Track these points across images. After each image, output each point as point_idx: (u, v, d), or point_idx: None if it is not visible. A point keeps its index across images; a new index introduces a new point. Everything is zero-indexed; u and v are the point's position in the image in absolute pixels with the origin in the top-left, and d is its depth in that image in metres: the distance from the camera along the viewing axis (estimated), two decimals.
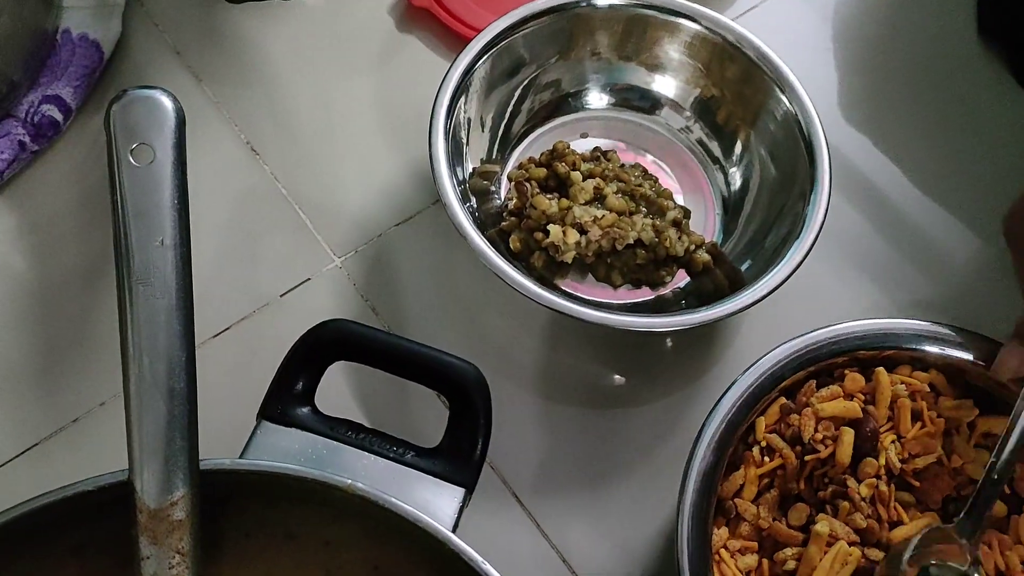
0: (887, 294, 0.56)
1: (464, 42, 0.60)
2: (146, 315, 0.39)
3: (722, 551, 0.43)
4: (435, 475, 0.42)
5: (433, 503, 0.41)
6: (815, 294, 0.54)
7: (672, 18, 0.55)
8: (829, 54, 0.64)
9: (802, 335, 0.46)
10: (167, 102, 0.41)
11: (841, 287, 0.56)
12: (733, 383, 0.45)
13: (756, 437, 0.45)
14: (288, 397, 0.43)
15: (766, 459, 0.45)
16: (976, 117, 0.62)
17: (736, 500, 0.44)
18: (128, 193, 0.40)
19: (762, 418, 0.45)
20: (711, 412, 0.44)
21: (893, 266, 0.58)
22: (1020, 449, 0.42)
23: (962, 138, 0.62)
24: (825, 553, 0.43)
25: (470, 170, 0.55)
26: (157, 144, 0.40)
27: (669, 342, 0.55)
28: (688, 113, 0.58)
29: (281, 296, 0.54)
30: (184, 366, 0.39)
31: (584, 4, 0.55)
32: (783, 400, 0.46)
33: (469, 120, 0.55)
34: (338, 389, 0.51)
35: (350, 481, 0.40)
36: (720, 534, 0.44)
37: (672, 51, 0.56)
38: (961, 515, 0.42)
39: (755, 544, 0.44)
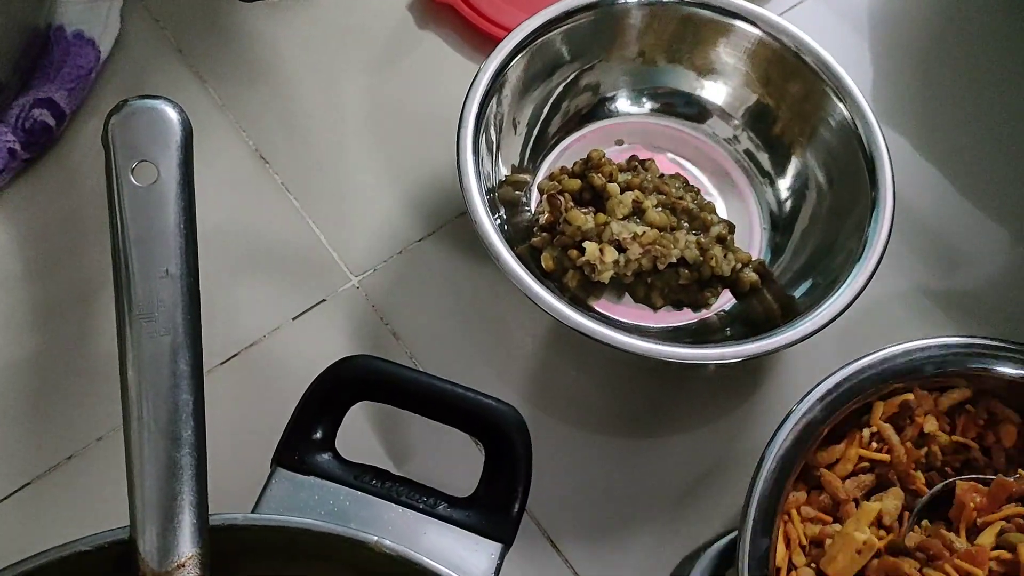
0: (937, 304, 0.53)
1: (489, 40, 0.56)
2: (149, 354, 0.35)
3: (793, 511, 0.41)
4: (469, 528, 0.38)
5: (468, 560, 0.38)
6: (863, 312, 0.50)
7: (728, 19, 0.51)
8: (866, 53, 0.61)
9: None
10: (172, 114, 0.37)
11: (884, 301, 0.52)
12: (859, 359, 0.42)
13: (871, 420, 0.43)
14: (306, 442, 0.39)
15: (873, 444, 0.42)
16: None
17: (824, 470, 0.42)
18: (129, 217, 0.36)
19: (881, 403, 0.42)
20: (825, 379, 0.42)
21: (936, 277, 0.54)
22: None
23: (1011, 144, 0.58)
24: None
25: (500, 178, 0.51)
26: (161, 162, 0.36)
27: (712, 366, 0.51)
28: (737, 122, 0.54)
29: (294, 319, 0.50)
30: (191, 411, 0.35)
31: (621, 2, 0.51)
32: (911, 395, 0.43)
33: (499, 125, 0.50)
34: (361, 429, 0.47)
35: (376, 538, 0.36)
36: (798, 496, 0.42)
37: (726, 55, 0.52)
38: None
39: (830, 519, 0.41)
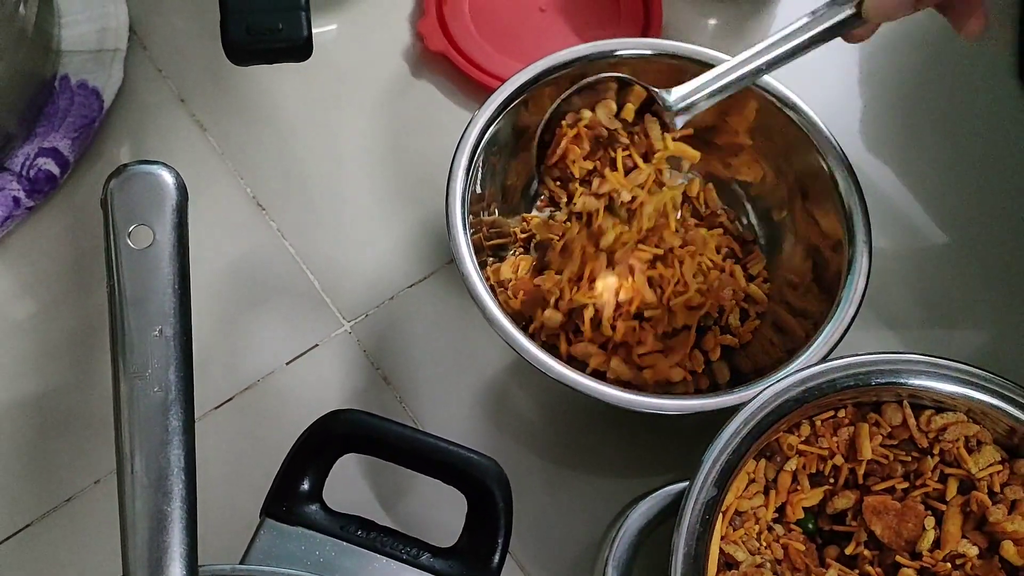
0: (898, 335, 0.54)
1: (481, 88, 0.58)
2: (143, 411, 0.36)
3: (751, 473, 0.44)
4: None
5: None
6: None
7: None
8: (856, 90, 0.62)
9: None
10: (168, 179, 0.38)
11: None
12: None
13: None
14: (294, 493, 0.40)
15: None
16: (1012, 161, 0.60)
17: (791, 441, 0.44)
18: (125, 278, 0.37)
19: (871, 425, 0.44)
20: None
21: (907, 305, 0.55)
22: None
23: (994, 180, 0.59)
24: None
25: (489, 222, 0.52)
26: (157, 226, 0.37)
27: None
28: (722, 174, 0.55)
29: (287, 364, 0.51)
30: (183, 465, 0.36)
31: (612, 55, 0.52)
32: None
33: (488, 174, 0.52)
34: (349, 477, 0.48)
35: None
36: (760, 465, 0.44)
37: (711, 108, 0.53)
38: None
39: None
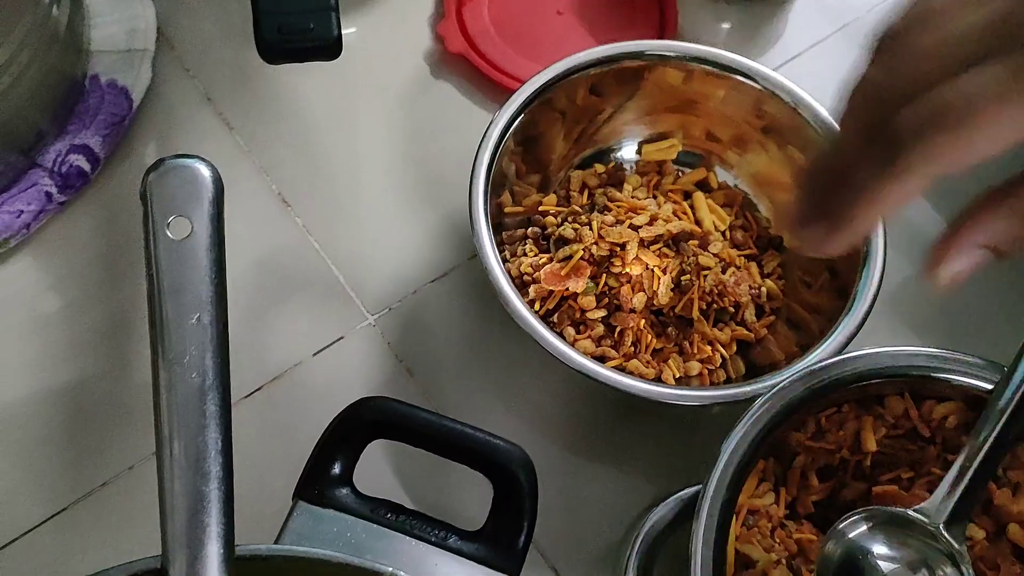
0: (919, 336, 0.55)
1: (500, 89, 0.59)
2: (181, 396, 0.38)
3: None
4: (478, 561, 0.41)
5: None
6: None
7: (728, 75, 0.53)
8: None
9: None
10: (205, 172, 0.39)
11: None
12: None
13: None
14: (325, 477, 0.41)
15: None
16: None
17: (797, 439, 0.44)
18: (164, 269, 0.38)
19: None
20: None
21: (925, 304, 0.56)
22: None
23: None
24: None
25: (510, 212, 0.54)
26: (195, 217, 0.39)
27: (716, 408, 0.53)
28: (736, 172, 0.56)
29: (314, 355, 0.53)
30: (220, 448, 0.38)
31: (631, 57, 0.53)
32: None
33: (509, 171, 0.53)
34: (378, 464, 0.49)
35: (391, 569, 0.38)
36: (769, 464, 0.44)
37: (727, 110, 0.54)
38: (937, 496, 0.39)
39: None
